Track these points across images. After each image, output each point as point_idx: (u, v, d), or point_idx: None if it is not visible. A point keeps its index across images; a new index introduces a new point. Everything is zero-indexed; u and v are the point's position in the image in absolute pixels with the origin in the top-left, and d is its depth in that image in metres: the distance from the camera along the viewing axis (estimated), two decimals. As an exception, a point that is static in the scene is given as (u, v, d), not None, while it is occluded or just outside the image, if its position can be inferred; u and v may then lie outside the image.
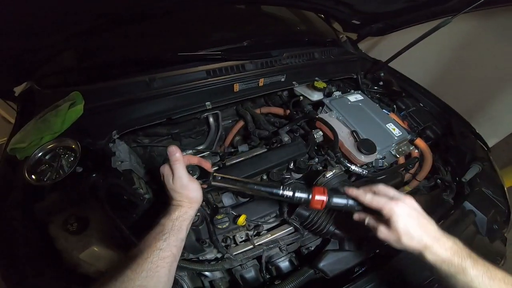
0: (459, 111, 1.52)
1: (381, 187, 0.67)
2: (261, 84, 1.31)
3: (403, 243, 0.60)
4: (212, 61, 1.27)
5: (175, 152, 0.68)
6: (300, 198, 0.71)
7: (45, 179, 0.92)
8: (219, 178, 0.76)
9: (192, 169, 0.74)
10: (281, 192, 0.73)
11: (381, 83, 1.55)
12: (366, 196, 0.66)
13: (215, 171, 0.79)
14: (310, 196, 0.70)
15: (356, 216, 0.71)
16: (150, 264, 0.59)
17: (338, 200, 0.70)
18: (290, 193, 0.72)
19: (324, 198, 0.70)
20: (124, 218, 0.94)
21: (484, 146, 1.40)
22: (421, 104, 1.54)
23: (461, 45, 2.37)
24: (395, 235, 0.61)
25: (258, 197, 1.04)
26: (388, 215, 0.61)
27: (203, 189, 0.76)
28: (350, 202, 0.70)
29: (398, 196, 0.64)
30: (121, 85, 1.16)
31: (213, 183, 0.75)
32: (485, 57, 2.25)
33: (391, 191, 0.66)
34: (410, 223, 0.60)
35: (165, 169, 0.72)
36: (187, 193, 0.70)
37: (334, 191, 0.72)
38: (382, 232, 0.63)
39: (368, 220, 0.67)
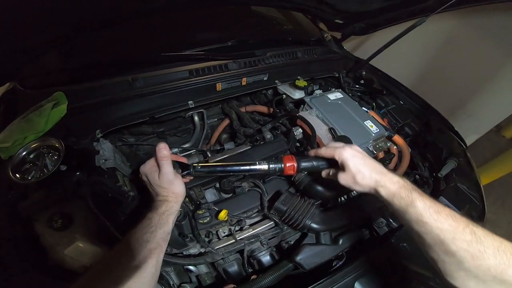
0: (441, 108, 1.56)
1: (332, 142, 0.82)
2: (244, 83, 1.33)
3: (358, 181, 0.69)
4: (196, 61, 1.29)
5: (163, 149, 0.72)
6: (275, 168, 0.80)
7: (29, 178, 0.93)
8: (199, 167, 0.80)
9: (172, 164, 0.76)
10: (257, 167, 0.81)
11: (362, 81, 1.59)
12: (321, 150, 0.79)
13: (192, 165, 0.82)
14: (282, 165, 0.80)
15: (324, 173, 0.83)
16: (138, 255, 0.61)
17: (305, 163, 0.82)
18: (265, 166, 0.80)
19: (294, 163, 0.80)
20: (109, 214, 0.96)
21: (461, 142, 1.45)
22: (401, 102, 1.58)
23: (442, 44, 2.42)
24: (351, 176, 0.70)
25: (240, 192, 1.07)
26: (339, 160, 0.73)
27: (186, 184, 0.80)
28: (314, 162, 0.82)
29: (345, 144, 0.76)
30: (104, 85, 1.16)
31: (194, 172, 0.79)
32: (466, 56, 2.31)
33: (340, 143, 0.78)
34: (358, 163, 0.70)
35: (146, 167, 0.75)
36: (173, 188, 0.73)
37: (300, 157, 0.83)
38: (342, 177, 0.73)
39: (332, 172, 0.79)
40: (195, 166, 0.80)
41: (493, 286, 0.50)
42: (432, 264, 0.59)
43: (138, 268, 0.59)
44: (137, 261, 0.60)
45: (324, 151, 0.78)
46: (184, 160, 0.83)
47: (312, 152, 0.84)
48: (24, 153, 0.96)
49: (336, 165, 0.75)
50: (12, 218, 0.89)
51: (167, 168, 0.72)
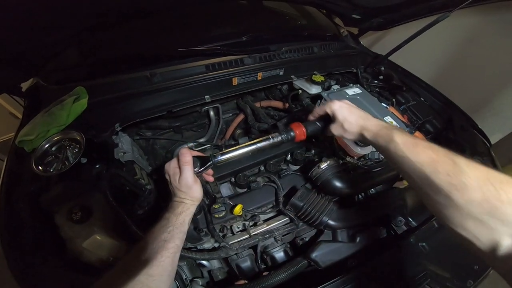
0: (464, 105, 1.49)
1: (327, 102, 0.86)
2: (259, 78, 1.33)
3: (346, 129, 0.76)
4: (212, 55, 1.29)
5: (185, 155, 0.73)
6: (287, 136, 0.85)
7: (51, 170, 0.96)
8: (219, 156, 0.80)
9: (193, 162, 0.76)
10: (271, 140, 0.84)
11: (381, 77, 1.54)
12: (316, 109, 0.88)
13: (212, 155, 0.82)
14: (293, 133, 0.85)
15: (327, 131, 0.85)
16: (156, 255, 0.63)
17: (311, 126, 0.87)
18: (278, 138, 0.84)
19: (302, 128, 0.86)
20: (126, 207, 0.98)
21: (485, 141, 1.39)
22: (422, 99, 1.53)
23: (466, 40, 2.33)
24: (340, 125, 0.77)
25: (254, 187, 1.06)
26: (330, 112, 0.80)
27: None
28: (318, 123, 0.87)
29: (335, 99, 0.82)
30: (123, 80, 1.19)
31: (216, 162, 0.80)
32: (491, 52, 2.21)
33: (332, 100, 0.84)
34: (344, 112, 0.77)
35: (170, 167, 0.76)
36: (191, 192, 0.74)
37: (305, 122, 0.89)
38: (333, 128, 0.80)
39: (330, 128, 0.82)
40: (215, 155, 0.80)
41: (496, 226, 0.44)
42: (432, 212, 0.56)
43: (156, 266, 0.62)
44: (155, 260, 0.62)
45: (318, 109, 0.86)
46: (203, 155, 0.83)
47: (310, 116, 0.90)
48: (47, 145, 0.99)
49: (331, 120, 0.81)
50: (34, 210, 0.92)
51: (187, 173, 0.73)
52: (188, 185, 0.73)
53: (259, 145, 0.83)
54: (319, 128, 0.88)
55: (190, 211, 0.75)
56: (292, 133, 0.85)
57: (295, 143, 0.91)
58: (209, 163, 0.79)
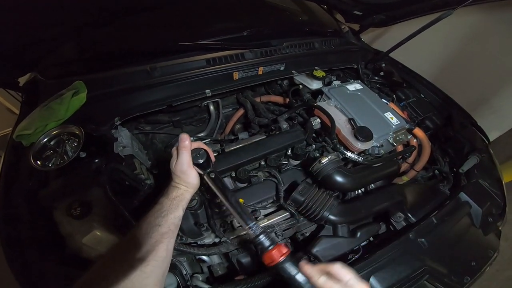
0: (463, 103, 1.51)
1: (337, 269, 0.58)
2: (260, 72, 1.32)
3: None
4: (212, 50, 1.28)
5: (185, 140, 0.73)
6: (260, 242, 0.65)
7: (50, 165, 0.95)
8: (213, 175, 0.77)
9: (200, 154, 0.76)
10: (249, 225, 0.67)
11: (381, 73, 1.54)
12: (320, 278, 0.58)
13: (214, 168, 0.79)
14: (268, 249, 0.64)
15: None
16: (150, 239, 0.62)
17: (287, 268, 0.62)
18: (256, 231, 0.66)
19: (278, 257, 0.62)
20: (126, 202, 0.97)
21: (484, 138, 1.40)
22: (422, 95, 1.53)
23: (466, 38, 2.34)
24: None
25: (255, 182, 1.06)
26: None
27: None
28: (298, 278, 0.61)
29: (354, 285, 0.56)
30: (123, 74, 1.18)
31: (205, 177, 0.76)
32: (491, 50, 2.23)
33: (348, 275, 0.57)
34: None
35: (173, 152, 0.76)
36: (185, 178, 0.73)
37: (293, 259, 0.63)
38: None
39: None
40: (210, 172, 0.77)
41: None
42: None
43: (150, 252, 0.61)
44: (149, 245, 0.61)
45: (322, 283, 0.57)
46: (212, 158, 0.81)
47: (306, 268, 0.60)
48: (45, 139, 0.98)
49: None
50: (33, 205, 0.92)
51: (183, 158, 0.72)
52: (183, 170, 0.72)
53: (238, 210, 0.70)
54: (288, 279, 0.61)
55: (184, 197, 0.73)
56: (266, 247, 0.64)
57: (262, 254, 0.65)
58: (207, 169, 0.76)
